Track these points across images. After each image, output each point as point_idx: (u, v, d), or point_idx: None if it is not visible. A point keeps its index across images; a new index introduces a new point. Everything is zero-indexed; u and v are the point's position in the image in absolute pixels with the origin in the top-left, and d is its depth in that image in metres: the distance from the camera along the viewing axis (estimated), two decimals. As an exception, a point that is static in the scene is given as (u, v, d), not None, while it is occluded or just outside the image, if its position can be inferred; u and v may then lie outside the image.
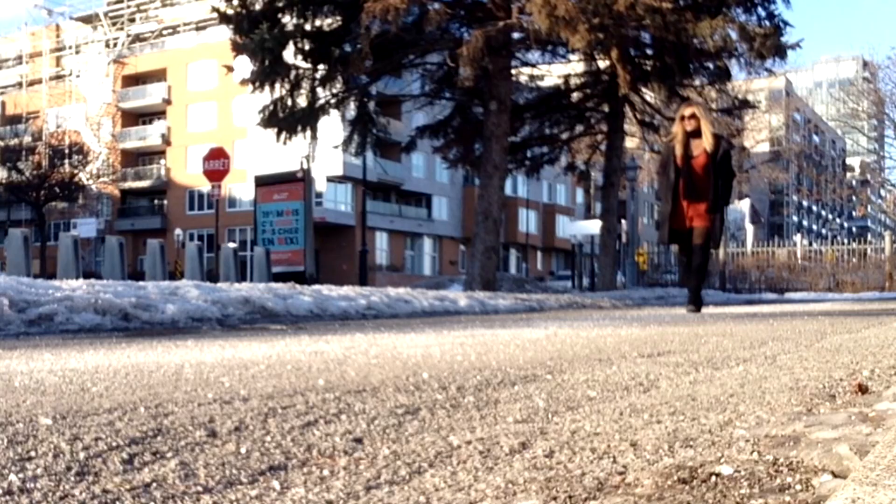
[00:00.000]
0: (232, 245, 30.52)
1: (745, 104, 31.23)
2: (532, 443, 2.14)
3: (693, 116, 10.96)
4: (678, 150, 10.86)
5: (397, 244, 71.64)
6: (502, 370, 3.74)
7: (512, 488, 1.72)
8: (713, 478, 1.74)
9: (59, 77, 79.67)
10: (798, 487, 1.67)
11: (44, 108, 73.16)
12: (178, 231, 62.73)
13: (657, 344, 5.39)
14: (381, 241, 68.98)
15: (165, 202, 74.36)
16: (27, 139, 66.62)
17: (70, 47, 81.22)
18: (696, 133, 10.92)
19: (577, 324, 8.48)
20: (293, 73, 21.43)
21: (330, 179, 64.16)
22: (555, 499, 1.64)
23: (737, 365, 4.04)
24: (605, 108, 27.23)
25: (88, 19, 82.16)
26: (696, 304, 11.40)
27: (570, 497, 1.64)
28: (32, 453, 1.91)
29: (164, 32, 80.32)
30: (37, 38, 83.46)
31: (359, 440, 2.16)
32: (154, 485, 1.70)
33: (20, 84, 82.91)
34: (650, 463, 1.91)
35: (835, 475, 1.73)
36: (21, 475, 1.73)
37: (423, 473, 1.84)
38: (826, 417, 2.42)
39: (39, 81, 78.96)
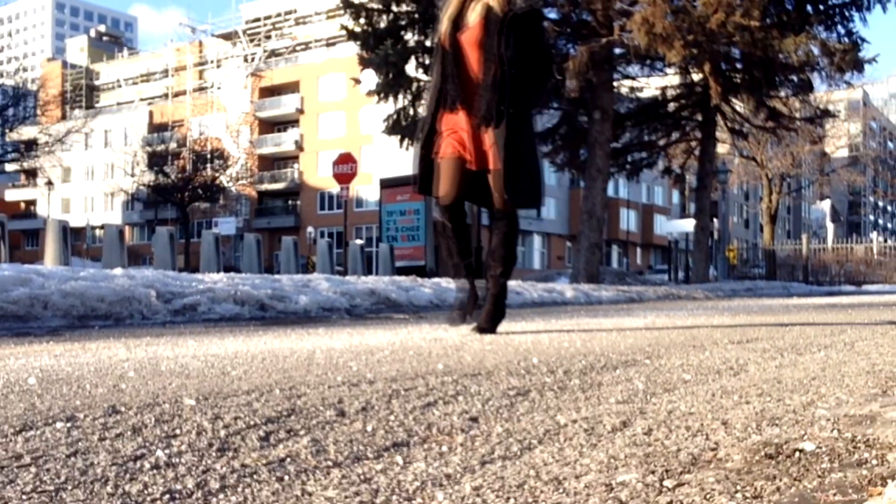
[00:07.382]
0: (359, 242, 30.96)
1: (826, 113, 31.81)
2: (632, 421, 2.16)
3: None
4: (444, 26, 5.11)
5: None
6: (605, 355, 3.75)
7: (614, 463, 1.73)
8: (797, 453, 1.77)
9: (201, 89, 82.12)
10: (874, 462, 1.69)
11: (188, 118, 75.18)
12: (309, 229, 63.36)
13: (745, 332, 5.40)
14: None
15: (298, 203, 75.39)
16: (173, 146, 68.75)
17: (211, 62, 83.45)
18: None
19: (673, 313, 8.50)
20: (414, 85, 21.59)
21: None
22: (653, 472, 1.64)
23: (818, 351, 4.10)
24: (699, 117, 26.81)
25: (228, 36, 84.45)
26: (490, 321, 5.10)
27: (666, 471, 1.65)
28: (177, 431, 1.97)
29: (298, 48, 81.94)
30: (181, 54, 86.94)
31: (474, 419, 2.17)
32: (288, 460, 1.73)
33: (166, 95, 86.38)
34: (740, 440, 1.94)
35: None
36: (167, 451, 1.78)
37: (533, 449, 1.86)
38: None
39: (184, 93, 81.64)
